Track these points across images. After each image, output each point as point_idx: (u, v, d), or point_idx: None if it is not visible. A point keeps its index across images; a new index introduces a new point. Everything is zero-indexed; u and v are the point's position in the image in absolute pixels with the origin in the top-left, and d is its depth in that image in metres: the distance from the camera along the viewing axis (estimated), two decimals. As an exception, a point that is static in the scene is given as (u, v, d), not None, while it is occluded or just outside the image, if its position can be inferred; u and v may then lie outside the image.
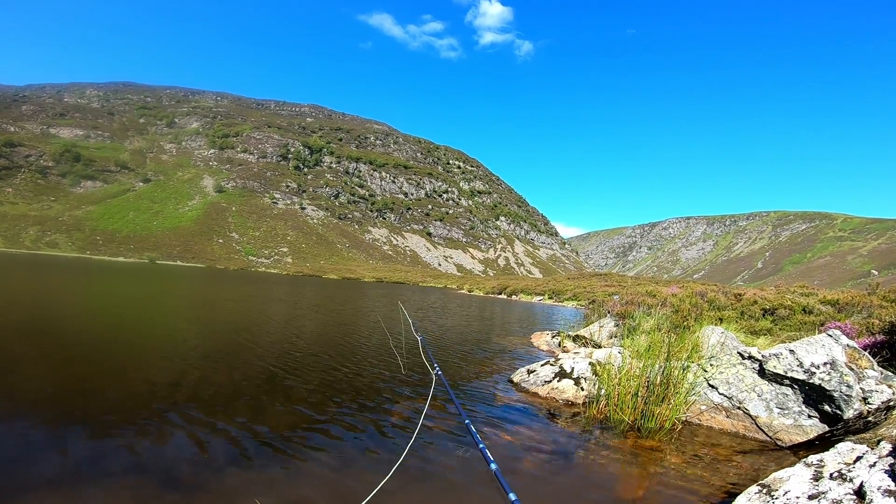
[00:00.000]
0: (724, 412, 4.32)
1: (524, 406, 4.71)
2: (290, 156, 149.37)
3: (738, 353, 4.71)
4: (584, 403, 4.72)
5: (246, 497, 2.44)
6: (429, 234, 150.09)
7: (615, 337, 9.01)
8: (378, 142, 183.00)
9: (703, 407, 4.42)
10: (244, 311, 12.46)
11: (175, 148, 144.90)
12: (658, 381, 4.11)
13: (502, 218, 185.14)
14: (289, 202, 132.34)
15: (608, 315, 10.88)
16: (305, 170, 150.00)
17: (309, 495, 2.54)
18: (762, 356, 4.40)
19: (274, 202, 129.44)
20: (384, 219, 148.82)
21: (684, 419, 4.27)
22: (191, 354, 5.85)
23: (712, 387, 4.49)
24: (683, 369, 4.19)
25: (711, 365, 4.69)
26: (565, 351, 8.46)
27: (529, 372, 5.68)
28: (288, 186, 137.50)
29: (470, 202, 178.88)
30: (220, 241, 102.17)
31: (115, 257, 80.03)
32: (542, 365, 5.75)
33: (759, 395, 4.21)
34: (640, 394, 4.14)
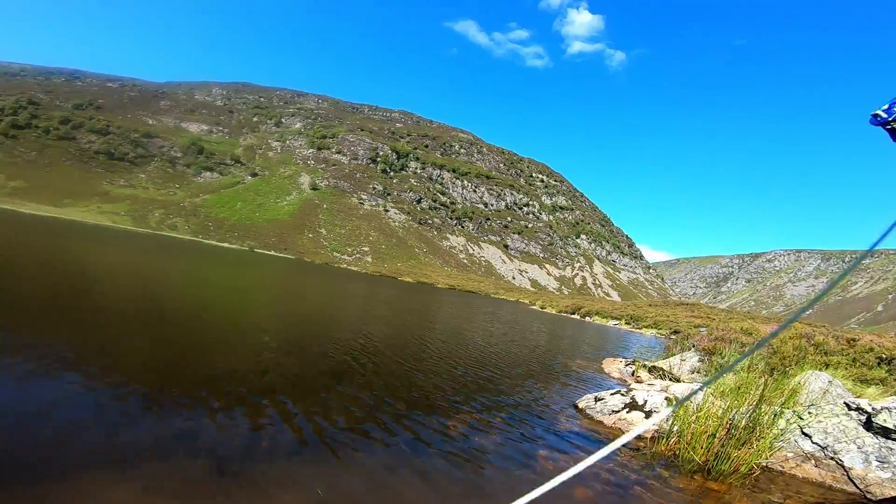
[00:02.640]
0: (812, 461, 4.03)
1: (586, 434, 4.52)
2: (378, 159, 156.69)
3: (844, 403, 4.26)
4: (651, 438, 4.46)
5: (300, 487, 2.55)
6: (506, 246, 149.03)
7: (697, 372, 8.32)
8: (462, 150, 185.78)
9: (790, 454, 4.13)
10: (330, 304, 13.25)
11: (280, 146, 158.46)
12: (743, 424, 3.85)
13: (583, 236, 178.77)
14: (374, 204, 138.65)
15: (692, 348, 10.07)
16: (392, 173, 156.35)
17: (358, 490, 2.63)
18: (872, 409, 3.98)
19: (360, 203, 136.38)
20: (462, 227, 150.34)
21: (764, 465, 3.98)
22: (271, 344, 6.32)
23: (806, 435, 4.18)
24: (775, 415, 3.93)
25: (809, 413, 4.33)
26: (639, 381, 7.97)
27: (597, 399, 5.44)
28: (374, 188, 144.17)
29: (551, 217, 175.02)
30: (310, 235, 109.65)
31: (222, 242, 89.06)
32: (611, 393, 5.48)
33: (858, 447, 3.92)
34: (717, 435, 3.88)
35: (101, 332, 4.99)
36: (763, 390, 4.16)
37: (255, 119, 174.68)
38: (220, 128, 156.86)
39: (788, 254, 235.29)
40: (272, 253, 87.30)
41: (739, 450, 3.72)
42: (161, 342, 5.12)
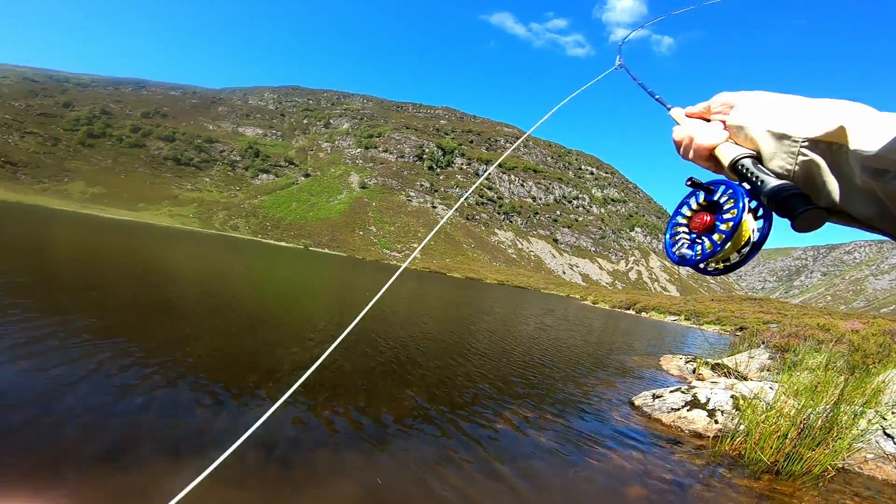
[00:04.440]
0: (894, 462, 3.74)
1: (643, 431, 4.28)
2: (424, 156, 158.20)
3: (936, 406, 3.80)
4: (714, 437, 4.19)
5: (356, 475, 2.61)
6: (555, 240, 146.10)
7: (767, 370, 7.74)
8: (508, 144, 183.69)
9: (870, 455, 3.84)
10: (381, 300, 13.53)
11: (330, 146, 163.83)
12: (819, 425, 3.64)
13: (637, 229, 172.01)
14: (421, 200, 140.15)
15: (762, 345, 9.39)
16: (438, 170, 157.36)
17: (408, 481, 2.64)
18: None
19: (408, 199, 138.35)
20: (510, 222, 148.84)
21: (840, 466, 3.73)
22: (329, 338, 6.50)
23: (888, 436, 3.90)
24: (856, 415, 3.71)
25: (894, 413, 3.94)
26: (700, 379, 7.51)
27: (655, 396, 5.15)
28: (422, 185, 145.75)
29: (602, 210, 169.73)
30: (361, 233, 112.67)
31: (279, 242, 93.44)
32: (671, 391, 5.17)
33: (945, 450, 3.48)
34: (789, 435, 3.67)
35: (174, 329, 5.28)
36: (843, 389, 4.00)
37: (305, 121, 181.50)
38: (274, 131, 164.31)
39: (870, 245, 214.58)
40: (325, 251, 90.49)
41: (814, 450, 3.53)
42: (229, 337, 5.34)
